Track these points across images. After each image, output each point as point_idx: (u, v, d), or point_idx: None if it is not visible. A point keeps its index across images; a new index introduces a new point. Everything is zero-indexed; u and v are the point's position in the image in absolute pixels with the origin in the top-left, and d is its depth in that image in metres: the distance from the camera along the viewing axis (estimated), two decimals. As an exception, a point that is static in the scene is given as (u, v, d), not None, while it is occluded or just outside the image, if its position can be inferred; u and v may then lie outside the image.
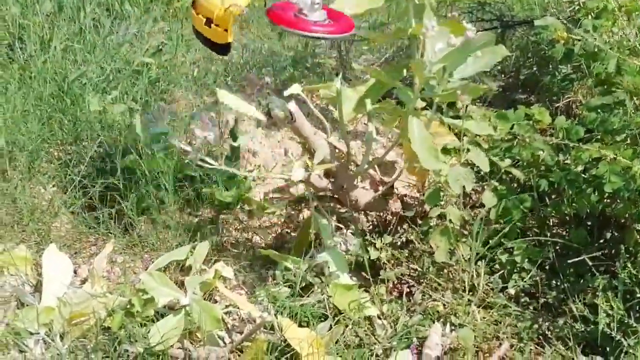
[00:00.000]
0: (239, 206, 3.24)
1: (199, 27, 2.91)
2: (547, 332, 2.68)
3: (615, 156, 2.59)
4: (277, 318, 2.65)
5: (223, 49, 2.91)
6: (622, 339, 2.38)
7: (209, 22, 2.83)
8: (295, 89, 2.91)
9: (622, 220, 2.83)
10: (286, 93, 2.87)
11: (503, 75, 3.97)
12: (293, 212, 3.27)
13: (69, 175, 3.42)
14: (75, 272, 3.07)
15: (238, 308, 2.80)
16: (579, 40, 3.01)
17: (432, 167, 2.76)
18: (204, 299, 2.79)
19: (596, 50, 2.94)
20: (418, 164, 2.92)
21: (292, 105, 2.86)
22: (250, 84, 4.06)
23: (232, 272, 2.97)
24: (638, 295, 2.47)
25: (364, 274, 2.90)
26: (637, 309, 2.53)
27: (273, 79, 4.10)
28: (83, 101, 3.74)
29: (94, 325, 2.68)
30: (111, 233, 3.18)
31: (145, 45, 4.25)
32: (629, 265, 2.50)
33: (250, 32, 4.62)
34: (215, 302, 2.86)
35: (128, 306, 2.71)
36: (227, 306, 2.83)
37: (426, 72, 2.67)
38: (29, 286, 2.95)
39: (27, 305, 2.81)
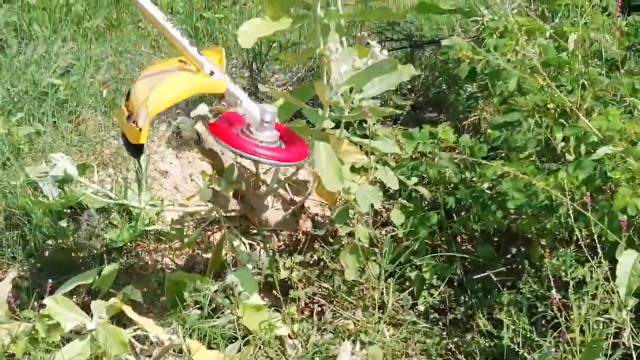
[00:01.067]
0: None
1: (119, 120, 2.73)
2: (455, 348, 2.71)
3: (517, 173, 2.64)
4: (185, 340, 2.62)
5: (135, 149, 2.67)
6: (527, 354, 2.42)
7: (129, 117, 2.65)
8: (202, 109, 2.89)
9: (528, 236, 2.88)
10: (193, 113, 2.84)
11: (413, 94, 4.01)
12: (203, 233, 3.23)
13: (-28, 199, 3.35)
14: (-21, 298, 2.99)
15: (146, 331, 2.76)
16: (483, 59, 3.07)
17: (335, 189, 2.78)
18: (112, 323, 2.74)
19: (498, 69, 3.00)
20: (324, 185, 2.94)
21: (199, 126, 2.83)
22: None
23: (141, 295, 2.92)
24: (540, 309, 2.52)
25: (275, 293, 2.89)
26: (543, 323, 2.57)
27: (184, 98, 4.07)
28: (-13, 123, 3.66)
29: (-3, 352, 2.62)
30: (16, 257, 3.10)
31: (53, 66, 4.18)
32: (530, 280, 2.54)
33: (160, 52, 4.59)
34: (124, 326, 2.82)
35: (33, 332, 2.64)
36: (135, 330, 2.78)
37: (331, 94, 2.70)
38: None
39: None
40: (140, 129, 2.50)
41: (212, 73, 2.63)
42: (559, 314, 2.31)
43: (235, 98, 2.68)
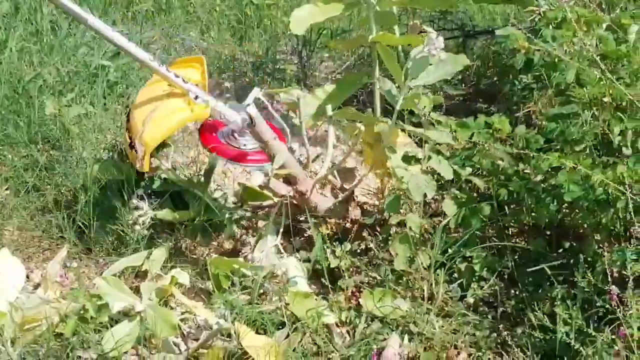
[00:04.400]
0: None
1: (125, 145, 2.91)
2: (505, 341, 2.67)
3: (574, 165, 2.59)
4: (234, 325, 2.61)
5: (139, 173, 2.97)
6: (581, 348, 2.38)
7: (131, 144, 2.83)
8: (255, 92, 2.89)
9: (581, 231, 2.83)
10: (248, 98, 2.85)
11: (464, 85, 3.97)
12: (250, 218, 3.22)
13: (22, 178, 3.36)
14: (27, 276, 3.01)
15: (194, 314, 2.76)
16: (539, 50, 3.02)
17: None
18: (160, 305, 2.74)
19: (556, 60, 2.95)
20: (382, 170, 2.92)
21: (253, 110, 2.83)
22: (210, 89, 4.02)
23: (189, 278, 2.92)
24: (597, 304, 2.47)
25: (322, 281, 2.88)
26: (596, 318, 2.53)
27: (233, 84, 4.06)
28: (38, 103, 3.68)
29: (46, 331, 2.62)
30: (65, 238, 3.11)
31: (103, 48, 4.19)
32: (589, 274, 2.49)
33: (210, 37, 4.58)
34: (172, 308, 2.82)
35: (82, 312, 2.66)
36: (183, 313, 2.78)
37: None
38: (-21, 291, 2.88)
39: (-23, 310, 2.74)
40: (143, 157, 2.74)
41: (196, 97, 2.82)
42: (617, 309, 2.26)
43: (218, 113, 2.86)
